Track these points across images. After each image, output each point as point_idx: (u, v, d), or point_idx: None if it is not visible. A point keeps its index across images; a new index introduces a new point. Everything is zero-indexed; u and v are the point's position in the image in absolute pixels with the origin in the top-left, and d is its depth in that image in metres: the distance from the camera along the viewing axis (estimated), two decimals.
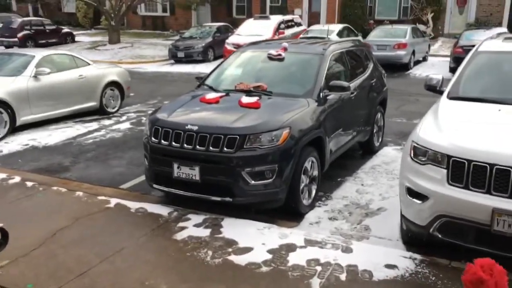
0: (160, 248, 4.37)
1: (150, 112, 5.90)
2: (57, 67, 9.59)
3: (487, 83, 5.05)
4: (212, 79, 6.35)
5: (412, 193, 4.01)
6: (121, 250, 4.29)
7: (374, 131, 7.39)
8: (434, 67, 17.97)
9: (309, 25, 23.23)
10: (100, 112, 10.37)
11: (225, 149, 4.70)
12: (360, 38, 18.22)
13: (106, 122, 9.87)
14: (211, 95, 5.57)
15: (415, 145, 4.05)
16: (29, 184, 5.98)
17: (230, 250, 4.27)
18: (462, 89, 4.91)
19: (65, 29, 28.05)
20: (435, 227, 3.87)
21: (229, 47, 17.82)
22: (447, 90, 4.96)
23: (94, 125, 9.53)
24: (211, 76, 6.44)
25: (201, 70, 15.40)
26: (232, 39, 19.01)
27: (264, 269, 3.96)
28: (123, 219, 5.00)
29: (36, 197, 5.61)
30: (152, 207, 5.21)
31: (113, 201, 5.40)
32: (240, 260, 4.10)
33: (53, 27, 26.95)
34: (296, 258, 4.10)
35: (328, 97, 5.69)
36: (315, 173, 5.38)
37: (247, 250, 4.26)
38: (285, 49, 6.21)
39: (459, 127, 4.14)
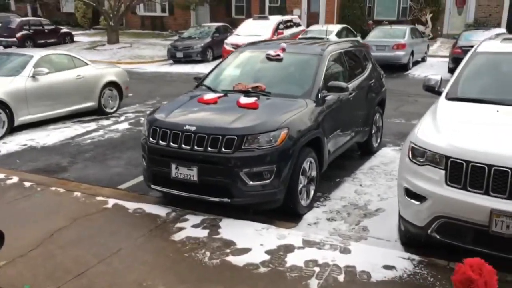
0: (158, 248, 4.36)
1: (148, 112, 5.89)
2: (56, 67, 9.58)
3: (485, 84, 5.05)
4: (211, 79, 6.34)
5: (410, 194, 4.01)
6: (118, 250, 4.28)
7: (373, 131, 7.39)
8: (433, 68, 17.98)
9: (308, 26, 23.25)
10: (98, 112, 10.35)
11: (223, 149, 4.70)
12: (359, 38, 18.22)
13: (105, 122, 9.86)
14: (209, 96, 5.56)
15: (413, 146, 4.04)
16: (27, 184, 5.97)
17: (228, 251, 4.26)
18: (461, 90, 4.91)
19: (64, 29, 28.01)
20: (433, 228, 3.87)
21: (228, 47, 17.82)
22: (445, 91, 4.96)
23: (92, 125, 9.52)
24: (210, 76, 6.44)
25: (200, 70, 15.36)
26: (231, 39, 19.00)
27: (262, 270, 3.95)
28: (121, 219, 4.99)
29: (34, 198, 5.59)
30: (150, 208, 5.20)
31: (111, 202, 5.39)
32: (238, 261, 4.09)
33: (52, 27, 26.92)
34: (294, 259, 4.09)
35: (326, 98, 5.68)
36: (314, 173, 5.37)
37: (245, 251, 4.25)
38: (283, 49, 6.21)
39: (458, 128, 4.14)
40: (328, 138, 5.68)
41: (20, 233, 4.58)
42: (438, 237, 3.89)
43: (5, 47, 22.62)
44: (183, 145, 4.84)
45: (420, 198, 3.90)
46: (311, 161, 5.27)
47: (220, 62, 6.81)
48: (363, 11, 28.04)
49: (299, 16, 25.89)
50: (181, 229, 4.69)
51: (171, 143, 4.91)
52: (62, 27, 28.45)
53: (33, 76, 8.97)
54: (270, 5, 29.73)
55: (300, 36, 18.39)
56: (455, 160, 3.69)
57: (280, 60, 6.14)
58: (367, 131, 7.15)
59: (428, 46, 20.78)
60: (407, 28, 18.49)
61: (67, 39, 27.21)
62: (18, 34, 24.32)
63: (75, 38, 28.20)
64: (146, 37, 29.65)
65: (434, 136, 4.01)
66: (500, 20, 25.63)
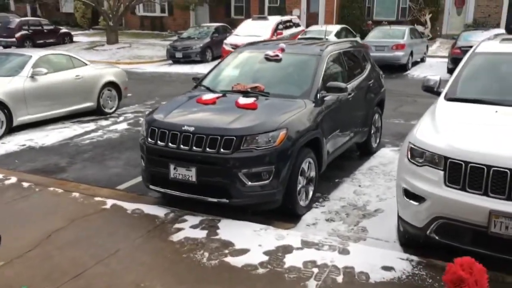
0: (156, 249, 4.35)
1: (147, 112, 5.89)
2: (54, 67, 9.56)
3: (484, 84, 5.04)
4: (209, 80, 6.33)
5: (409, 194, 4.00)
6: (116, 251, 4.27)
7: (372, 132, 7.38)
8: (432, 68, 17.99)
9: (307, 26, 23.27)
10: (97, 112, 10.34)
11: (221, 150, 4.68)
12: (358, 39, 18.25)
13: (103, 122, 9.85)
14: (208, 96, 5.55)
15: (412, 146, 4.04)
16: (25, 184, 5.96)
17: (226, 251, 4.25)
18: (460, 91, 4.90)
19: (63, 29, 28.00)
20: (432, 229, 3.86)
21: (227, 48, 17.83)
22: (444, 91, 4.95)
23: (91, 126, 9.50)
24: (208, 76, 6.43)
25: (199, 71, 15.37)
26: (230, 39, 19.00)
27: (261, 270, 3.94)
28: (119, 220, 4.98)
29: (32, 198, 5.58)
30: (148, 208, 5.18)
31: (109, 202, 5.37)
32: (237, 261, 4.08)
33: (51, 27, 26.91)
34: (292, 260, 4.08)
35: (325, 98, 5.67)
36: (312, 174, 5.36)
37: (244, 251, 4.24)
38: (282, 50, 6.20)
39: (456, 128, 4.13)
40: (327, 139, 5.67)
41: (17, 234, 4.56)
42: (437, 238, 3.88)
43: (4, 47, 22.60)
44: (182, 146, 4.83)
45: (419, 198, 3.89)
46: (310, 162, 5.26)
47: (219, 63, 6.80)
48: (362, 11, 28.04)
49: (299, 17, 25.90)
50: (179, 229, 4.68)
51: (170, 144, 4.90)
52: (61, 27, 28.45)
53: (32, 76, 8.96)
54: (269, 6, 29.73)
55: (299, 36, 18.39)
56: (454, 160, 3.68)
57: (279, 60, 6.13)
58: (366, 132, 7.14)
59: (427, 47, 20.80)
60: (406, 29, 18.50)
61: (66, 39, 27.20)
62: (17, 34, 24.30)
63: (75, 38, 28.19)
64: (145, 37, 29.64)
65: (433, 136, 4.01)
66: (499, 20, 25.65)
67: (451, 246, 3.86)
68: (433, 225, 3.84)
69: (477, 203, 3.56)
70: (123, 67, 13.44)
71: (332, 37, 17.05)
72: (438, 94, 5.05)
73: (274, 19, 20.29)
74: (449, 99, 4.77)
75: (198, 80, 6.47)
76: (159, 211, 5.09)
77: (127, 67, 17.30)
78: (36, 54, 9.55)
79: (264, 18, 20.76)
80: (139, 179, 5.86)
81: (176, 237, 4.53)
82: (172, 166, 4.87)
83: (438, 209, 3.77)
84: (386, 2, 27.81)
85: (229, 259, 4.12)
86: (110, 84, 10.58)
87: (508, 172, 3.47)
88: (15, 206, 5.35)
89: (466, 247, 3.75)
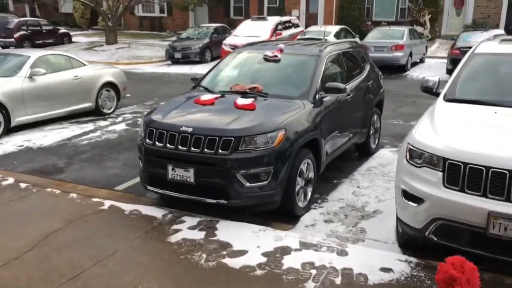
0: (154, 251, 4.33)
1: (145, 113, 5.87)
2: (53, 67, 9.55)
3: (483, 85, 5.03)
4: (208, 80, 6.31)
5: (407, 195, 3.98)
6: (114, 253, 4.25)
7: (371, 133, 7.37)
8: (431, 69, 17.98)
9: (306, 27, 23.24)
10: (96, 113, 10.32)
11: (220, 151, 4.67)
12: (357, 39, 18.24)
13: (102, 123, 9.83)
14: (206, 97, 5.54)
15: (411, 147, 4.02)
16: (23, 185, 5.94)
17: (224, 253, 4.24)
18: (459, 91, 4.89)
19: (62, 30, 27.98)
20: (430, 230, 3.85)
21: (226, 48, 17.80)
22: (443, 92, 4.94)
23: (89, 126, 9.48)
24: (207, 77, 6.41)
25: (198, 71, 15.38)
26: (230, 40, 18.98)
27: (259, 272, 3.93)
28: (117, 221, 4.96)
29: (30, 199, 5.56)
30: (146, 209, 5.17)
31: (107, 203, 5.35)
32: (235, 263, 4.06)
33: (50, 27, 26.88)
34: (291, 261, 4.06)
35: (324, 99, 5.66)
36: (311, 175, 5.35)
37: (242, 253, 4.22)
38: (281, 50, 6.19)
39: (455, 129, 4.12)
40: (326, 140, 5.65)
41: (15, 235, 4.55)
42: (435, 239, 3.87)
43: (3, 47, 22.55)
44: (180, 146, 4.81)
45: (417, 200, 3.88)
46: (308, 163, 5.25)
47: (218, 63, 6.79)
48: (361, 12, 28.05)
49: (298, 17, 25.88)
50: (177, 231, 4.66)
51: (168, 144, 4.89)
52: (60, 28, 28.42)
53: (30, 77, 8.95)
54: (268, 6, 29.74)
55: (298, 37, 18.38)
56: (453, 162, 3.67)
57: (277, 61, 6.12)
58: (365, 132, 7.13)
59: (426, 47, 20.82)
60: (405, 29, 18.50)
61: (65, 39, 27.18)
62: (16, 35, 24.26)
63: (73, 39, 28.18)
64: (145, 37, 29.62)
65: (432, 137, 3.99)
66: (499, 21, 25.65)
67: (449, 247, 3.85)
68: (431, 226, 3.82)
69: (475, 204, 3.55)
70: (122, 68, 13.43)
71: (331, 38, 17.05)
72: (437, 95, 5.04)
73: (273, 20, 20.28)
74: (448, 100, 4.76)
75: (196, 81, 6.45)
76: (157, 212, 5.08)
77: (126, 68, 17.29)
78: (34, 54, 9.53)
79: (263, 19, 20.74)
80: (137, 180, 5.84)
81: (174, 238, 4.52)
82: (170, 167, 4.85)
83: (437, 210, 3.76)
84: (385, 3, 27.82)
85: (227, 261, 4.10)
86: (109, 85, 10.56)
87: (507, 173, 3.46)
88: (13, 207, 5.33)
89: (465, 248, 3.74)
